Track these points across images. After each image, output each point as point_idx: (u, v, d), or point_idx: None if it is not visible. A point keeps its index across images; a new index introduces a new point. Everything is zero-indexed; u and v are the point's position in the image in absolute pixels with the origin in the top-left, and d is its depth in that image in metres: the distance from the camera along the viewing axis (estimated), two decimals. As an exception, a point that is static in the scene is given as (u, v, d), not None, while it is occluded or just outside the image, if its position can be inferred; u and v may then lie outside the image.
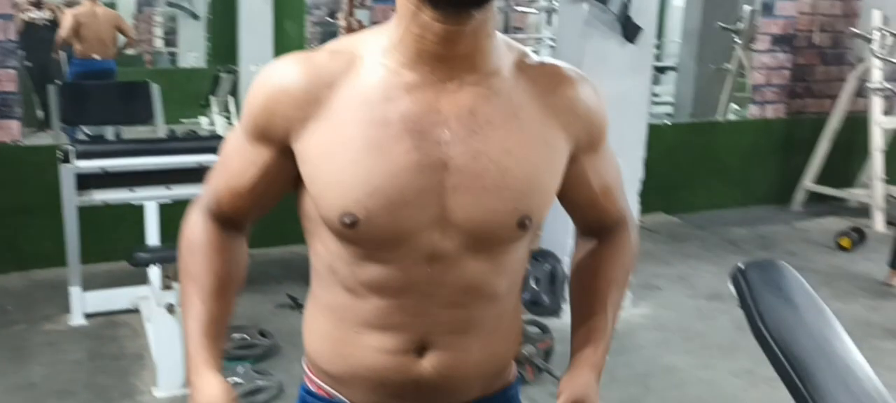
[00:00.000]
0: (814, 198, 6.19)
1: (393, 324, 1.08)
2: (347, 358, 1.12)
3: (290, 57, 1.07)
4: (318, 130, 1.03)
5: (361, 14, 5.16)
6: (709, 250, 5.19)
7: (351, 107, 1.01)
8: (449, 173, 1.01)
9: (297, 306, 3.95)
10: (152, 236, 3.47)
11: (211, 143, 3.60)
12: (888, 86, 5.69)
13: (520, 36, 4.99)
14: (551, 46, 5.10)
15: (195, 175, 3.56)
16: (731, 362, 3.61)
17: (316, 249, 1.11)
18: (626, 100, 3.88)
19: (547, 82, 1.08)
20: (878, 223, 5.62)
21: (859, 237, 5.24)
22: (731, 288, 1.97)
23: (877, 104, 5.66)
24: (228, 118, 7.23)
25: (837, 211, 6.12)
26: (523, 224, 1.05)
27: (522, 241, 1.11)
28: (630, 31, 3.78)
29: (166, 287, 3.02)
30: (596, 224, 1.24)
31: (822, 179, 6.12)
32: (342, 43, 1.08)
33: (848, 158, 6.23)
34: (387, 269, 1.05)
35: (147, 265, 3.01)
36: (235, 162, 1.13)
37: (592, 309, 1.20)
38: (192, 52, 9.70)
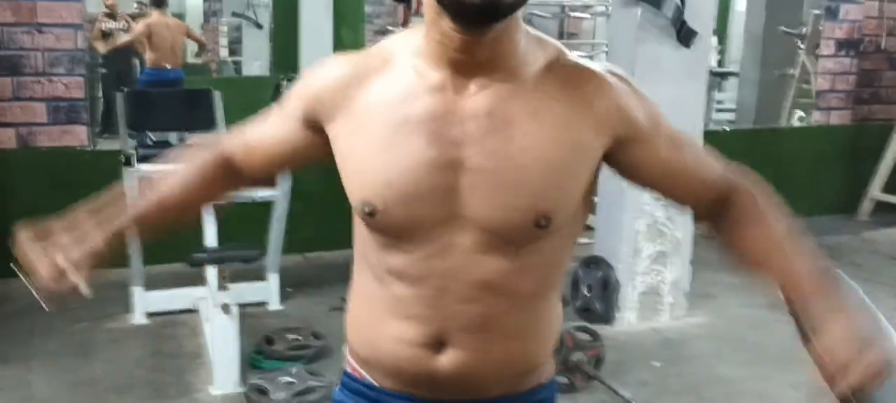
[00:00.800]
0: (881, 207, 5.99)
1: (412, 314, 1.11)
2: (372, 344, 1.18)
3: (337, 56, 1.17)
4: (347, 123, 1.11)
5: (417, 20, 5.20)
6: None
7: (377, 104, 1.08)
8: (464, 172, 1.04)
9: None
10: (210, 237, 3.57)
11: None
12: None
13: (575, 42, 4.97)
14: (605, 51, 5.06)
15: (252, 179, 3.66)
16: (788, 374, 3.51)
17: (357, 237, 1.18)
18: (680, 105, 3.81)
19: (575, 82, 1.08)
20: (951, 234, 5.42)
21: (929, 248, 5.06)
22: None
23: (949, 110, 5.45)
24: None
25: (906, 222, 5.92)
26: (540, 223, 1.05)
27: (547, 241, 1.09)
28: (685, 35, 3.74)
29: (222, 287, 3.10)
30: (705, 199, 1.18)
31: (890, 188, 5.93)
32: (383, 43, 1.15)
33: (918, 166, 6.02)
34: (407, 258, 1.09)
35: (203, 265, 3.10)
36: (264, 132, 1.24)
37: (791, 270, 1.15)
38: (256, 61, 9.92)
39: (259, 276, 4.02)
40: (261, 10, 10.05)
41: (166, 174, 1.32)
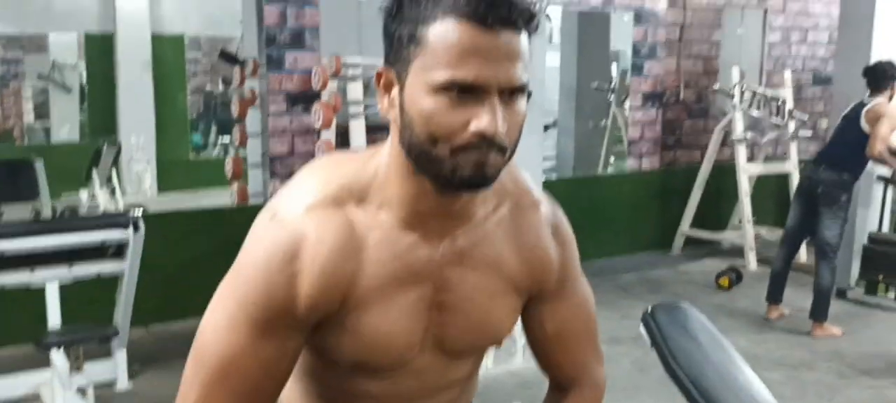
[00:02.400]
0: (691, 242, 6.61)
1: None
2: None
3: (302, 220, 1.02)
4: (355, 297, 1.05)
5: (252, 83, 5.16)
6: (603, 296, 5.42)
7: (371, 272, 1.05)
8: (443, 313, 1.12)
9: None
10: (54, 317, 3.34)
11: (113, 219, 3.53)
12: (750, 135, 6.20)
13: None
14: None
15: (98, 252, 3.47)
16: (635, 402, 3.80)
17: (302, 362, 1.13)
18: (520, 158, 4.08)
19: (521, 230, 1.15)
20: (752, 262, 6.06)
21: (737, 276, 5.64)
22: (643, 331, 2.13)
23: (741, 153, 6.14)
24: (112, 191, 7.00)
25: (713, 253, 6.56)
26: (496, 344, 1.22)
27: None
28: (523, 93, 4.00)
29: (76, 369, 2.91)
30: (555, 375, 1.31)
31: (697, 224, 6.55)
32: (320, 201, 1.04)
33: (718, 204, 6.71)
34: (381, 382, 1.15)
35: (57, 347, 2.90)
36: (248, 367, 1.03)
37: None
38: (65, 125, 9.36)
39: (104, 354, 3.79)
40: (68, 72, 9.51)
41: None
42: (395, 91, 1.01)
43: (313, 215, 1.02)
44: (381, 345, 1.08)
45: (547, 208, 1.19)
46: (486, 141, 0.97)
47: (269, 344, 1.02)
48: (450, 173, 0.98)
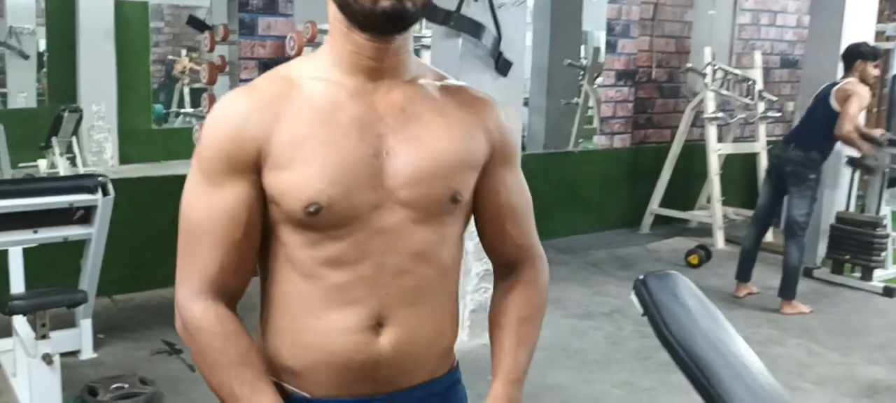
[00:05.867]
0: (660, 220, 6.65)
1: (353, 298, 1.18)
2: (308, 348, 1.20)
3: (234, 92, 1.19)
4: (280, 138, 1.15)
5: (223, 49, 5.04)
6: (574, 272, 5.44)
7: (304, 116, 1.15)
8: (390, 159, 1.17)
9: (175, 351, 3.78)
10: (18, 283, 3.22)
11: (81, 182, 3.41)
12: (721, 115, 6.24)
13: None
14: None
15: (64, 216, 3.36)
16: (609, 374, 3.81)
17: (272, 250, 1.21)
18: (500, 130, 4.05)
19: (467, 98, 1.26)
20: (719, 241, 6.12)
21: (706, 254, 5.68)
22: (634, 299, 2.13)
23: (712, 132, 6.18)
24: (72, 159, 6.81)
25: (681, 232, 6.61)
26: (455, 198, 1.21)
27: (456, 217, 1.25)
28: (502, 65, 3.95)
29: (42, 336, 2.81)
30: (505, 250, 1.34)
31: (666, 202, 6.59)
32: (274, 72, 1.22)
33: (687, 183, 6.75)
34: (343, 244, 1.17)
35: (23, 312, 2.78)
36: (218, 220, 1.16)
37: (504, 344, 1.31)
38: (22, 93, 9.09)
39: (68, 323, 3.68)
40: (25, 38, 9.23)
41: (246, 375, 1.17)
42: None
43: (246, 86, 1.19)
44: (324, 181, 1.13)
45: (481, 91, 1.30)
46: None
47: (225, 193, 1.15)
48: (370, 4, 1.10)
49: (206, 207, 1.16)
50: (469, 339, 4.06)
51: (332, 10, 1.18)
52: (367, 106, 1.18)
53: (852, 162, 5.35)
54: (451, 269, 1.27)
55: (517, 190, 1.32)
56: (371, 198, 1.16)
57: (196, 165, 1.17)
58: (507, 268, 1.36)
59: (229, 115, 1.16)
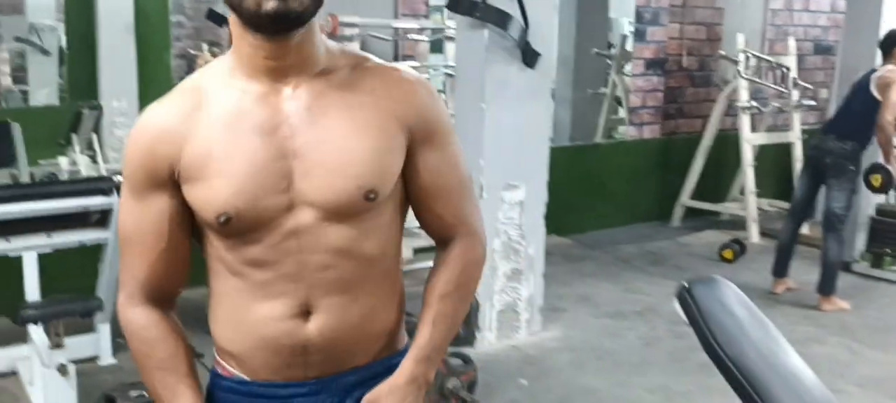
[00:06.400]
0: (690, 213, 6.47)
1: (277, 292, 1.22)
2: (244, 334, 1.25)
3: (150, 107, 1.23)
4: (190, 153, 1.18)
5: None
6: (603, 268, 5.29)
7: (211, 126, 1.18)
8: (297, 161, 1.18)
9: (196, 356, 3.68)
10: (32, 290, 3.14)
11: (97, 185, 3.31)
12: (755, 104, 6.04)
13: (413, 64, 4.96)
14: (449, 74, 5.07)
15: (80, 220, 3.26)
16: (643, 378, 3.66)
17: (207, 249, 1.26)
18: (528, 125, 3.90)
19: (382, 81, 1.23)
20: (754, 234, 5.93)
21: (740, 249, 5.50)
22: (678, 308, 1.99)
23: (745, 122, 5.98)
24: (93, 157, 6.74)
25: (713, 225, 6.43)
26: (368, 197, 1.20)
27: (379, 210, 1.24)
28: (530, 56, 3.81)
29: (57, 345, 2.72)
30: (436, 229, 1.34)
31: (697, 195, 6.41)
32: (186, 82, 1.24)
33: (719, 174, 6.56)
34: (262, 247, 1.20)
35: (36, 322, 2.70)
36: (143, 231, 1.23)
37: (421, 322, 1.31)
38: (44, 89, 9.06)
39: (86, 328, 3.60)
40: (46, 34, 9.19)
41: (169, 379, 1.27)
42: None
43: (162, 99, 1.23)
44: (230, 192, 1.15)
45: (401, 67, 1.29)
46: None
47: (147, 206, 1.21)
48: (255, 6, 1.09)
49: (133, 219, 1.23)
50: (497, 340, 3.94)
51: (230, 12, 1.16)
52: (272, 109, 1.18)
53: (874, 169, 4.62)
54: (380, 257, 1.26)
55: (445, 168, 1.29)
56: (280, 201, 1.18)
57: (123, 179, 1.24)
58: (441, 245, 1.35)
59: (142, 133, 1.20)
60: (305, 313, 1.23)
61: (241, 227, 1.18)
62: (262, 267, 1.21)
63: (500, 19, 3.68)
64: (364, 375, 1.30)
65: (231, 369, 1.30)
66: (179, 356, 1.26)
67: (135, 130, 1.21)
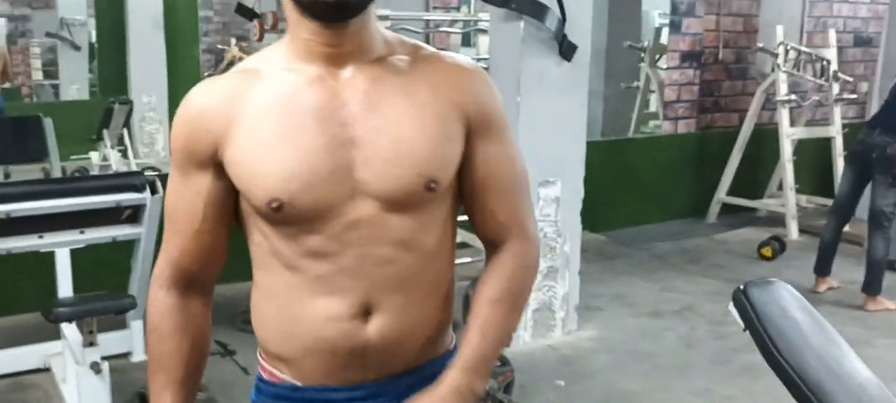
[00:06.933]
0: (727, 209, 6.33)
1: (337, 288, 1.16)
2: (296, 335, 1.19)
3: (200, 85, 1.19)
4: (238, 135, 1.13)
5: (272, 38, 4.88)
6: (639, 266, 5.18)
7: (263, 109, 1.13)
8: (357, 149, 1.13)
9: (228, 353, 3.64)
10: (65, 286, 3.11)
11: (128, 180, 3.27)
12: (794, 97, 5.89)
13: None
14: (483, 67, 4.99)
15: (112, 216, 3.23)
16: (686, 381, 3.56)
17: (256, 241, 1.20)
18: (564, 118, 3.81)
19: (439, 69, 1.19)
20: (793, 231, 5.78)
21: (780, 246, 5.36)
22: (734, 312, 1.90)
23: (784, 116, 5.84)
24: (124, 152, 6.75)
25: (750, 222, 6.28)
26: (430, 186, 1.15)
27: (439, 201, 1.19)
28: (566, 48, 3.71)
29: (90, 343, 2.68)
30: (488, 228, 1.26)
31: (734, 191, 6.27)
32: (243, 63, 1.22)
33: (756, 169, 6.41)
34: (321, 238, 1.14)
35: (69, 320, 2.66)
36: (181, 209, 1.20)
37: (468, 328, 1.24)
38: (75, 84, 9.10)
39: (119, 324, 3.57)
40: (76, 29, 9.24)
41: (160, 378, 1.24)
42: None
43: (211, 79, 1.19)
44: (283, 177, 1.11)
45: (458, 55, 1.24)
46: None
47: (187, 184, 1.18)
48: None
49: (173, 196, 1.21)
50: (532, 339, 3.85)
51: (286, 4, 1.14)
52: (329, 93, 1.14)
53: None
54: (437, 254, 1.22)
55: (501, 162, 1.23)
56: (339, 190, 1.13)
57: (171, 155, 1.21)
58: (491, 247, 1.28)
59: (187, 110, 1.16)
60: (365, 312, 1.17)
61: (295, 215, 1.13)
62: (321, 259, 1.15)
63: (536, 11, 3.59)
64: (418, 376, 1.24)
65: (280, 374, 1.24)
66: (179, 356, 1.22)
67: (181, 106, 1.17)
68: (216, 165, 1.15)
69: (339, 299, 1.16)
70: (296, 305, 1.18)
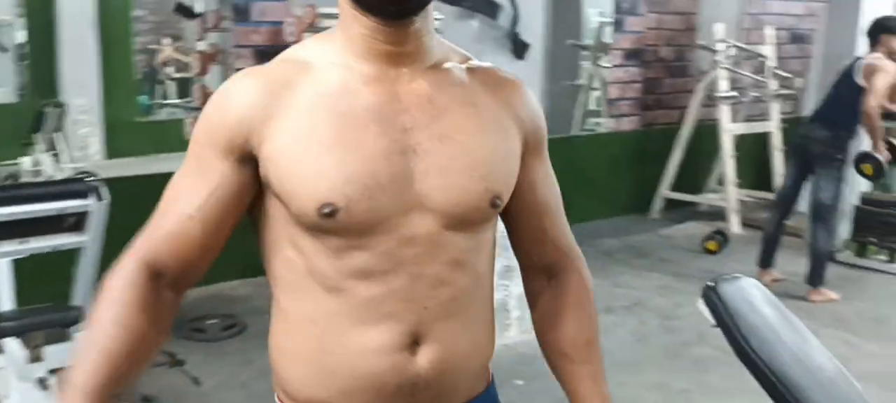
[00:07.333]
0: (670, 204, 6.44)
1: (386, 314, 1.05)
2: (335, 373, 1.06)
3: (242, 72, 1.08)
4: (283, 130, 1.02)
5: (215, 36, 4.76)
6: (587, 262, 5.20)
7: (314, 104, 1.02)
8: (418, 158, 1.03)
9: (177, 362, 3.53)
10: (5, 299, 2.96)
11: (72, 187, 3.13)
12: (734, 94, 6.02)
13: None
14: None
15: (54, 224, 3.08)
16: (640, 376, 3.60)
17: (287, 259, 1.07)
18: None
19: (494, 81, 1.12)
20: (735, 225, 5.92)
21: (724, 240, 5.47)
22: (704, 309, 1.90)
23: (725, 112, 5.96)
24: (57, 157, 6.51)
25: (693, 216, 6.41)
26: (494, 203, 1.08)
27: (493, 222, 1.13)
28: (519, 47, 3.72)
29: (36, 359, 2.56)
30: (544, 253, 1.20)
31: (676, 186, 6.38)
32: (291, 53, 1.10)
33: (697, 165, 6.54)
34: (371, 254, 1.03)
35: (12, 335, 2.53)
36: (180, 192, 1.07)
37: (583, 383, 1.22)
38: (2, 87, 8.76)
39: (61, 336, 3.42)
40: (4, 30, 8.89)
41: (96, 327, 1.04)
42: None
43: (255, 67, 1.08)
44: (338, 179, 0.99)
45: (509, 71, 1.18)
46: None
47: (198, 168, 1.06)
48: None
49: (180, 176, 1.08)
50: (489, 340, 3.84)
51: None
52: (389, 95, 1.04)
53: (864, 158, 4.66)
54: (486, 276, 1.16)
55: (549, 182, 1.19)
56: (398, 201, 1.02)
57: (190, 144, 1.09)
58: (544, 272, 1.22)
59: (223, 97, 1.05)
60: (414, 343, 1.06)
61: (349, 224, 1.00)
62: (370, 280, 1.03)
63: (489, 9, 3.59)
64: None
65: None
66: (126, 328, 1.02)
67: (216, 93, 1.06)
68: (240, 158, 1.03)
69: (388, 326, 1.05)
70: (337, 335, 1.05)
